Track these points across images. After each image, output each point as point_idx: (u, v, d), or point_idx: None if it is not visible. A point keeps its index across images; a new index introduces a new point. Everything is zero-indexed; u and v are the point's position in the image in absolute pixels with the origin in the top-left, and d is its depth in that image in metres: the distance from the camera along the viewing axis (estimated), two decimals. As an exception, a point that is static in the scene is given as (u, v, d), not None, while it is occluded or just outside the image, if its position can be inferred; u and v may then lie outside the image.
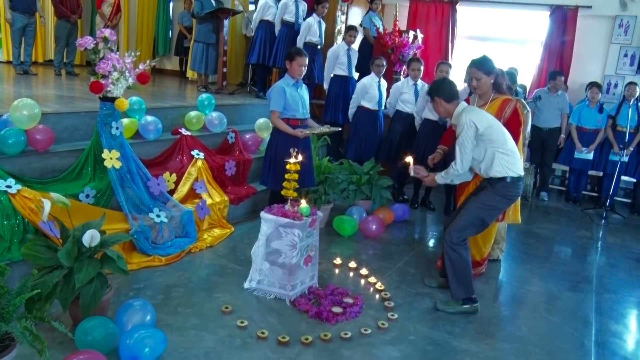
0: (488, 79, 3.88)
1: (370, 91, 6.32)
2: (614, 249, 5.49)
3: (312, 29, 7.17)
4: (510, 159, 3.48)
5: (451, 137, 4.01)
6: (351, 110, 6.56)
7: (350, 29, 7.07)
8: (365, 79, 6.40)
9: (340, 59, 7.05)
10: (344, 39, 7.14)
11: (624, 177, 7.08)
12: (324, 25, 7.39)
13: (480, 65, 3.87)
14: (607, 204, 6.61)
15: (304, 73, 4.67)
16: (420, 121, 6.06)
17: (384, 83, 6.46)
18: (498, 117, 3.77)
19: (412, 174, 3.85)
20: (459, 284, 3.63)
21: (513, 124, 3.85)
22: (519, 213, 4.32)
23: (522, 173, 3.54)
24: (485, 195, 3.54)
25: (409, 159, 3.85)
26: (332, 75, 7.16)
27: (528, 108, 4.78)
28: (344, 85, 7.11)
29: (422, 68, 6.22)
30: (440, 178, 3.71)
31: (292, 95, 4.57)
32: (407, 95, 6.20)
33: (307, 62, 4.63)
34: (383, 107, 6.52)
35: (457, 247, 3.57)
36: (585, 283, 4.45)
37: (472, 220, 3.57)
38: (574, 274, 4.63)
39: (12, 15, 7.48)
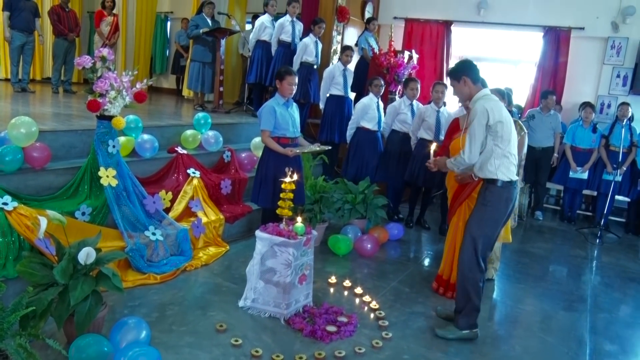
0: None
1: (370, 112, 6.33)
2: (608, 269, 5.51)
3: (308, 49, 7.23)
4: (506, 162, 3.37)
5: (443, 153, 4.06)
6: (350, 131, 6.51)
7: (347, 49, 7.12)
8: (365, 99, 6.40)
9: (336, 79, 7.09)
10: (340, 59, 7.20)
11: (618, 197, 7.13)
12: (320, 46, 7.45)
13: None
14: (602, 223, 6.63)
15: (294, 92, 4.70)
16: (416, 141, 6.09)
17: (380, 103, 6.49)
18: None
19: (430, 162, 3.87)
20: (467, 316, 3.52)
21: None
22: (509, 231, 4.34)
23: (514, 178, 3.43)
24: (480, 212, 3.45)
25: (434, 146, 3.95)
26: (328, 95, 7.21)
27: (525, 130, 4.81)
28: (339, 105, 7.16)
29: (419, 87, 6.27)
30: (450, 163, 3.62)
31: (282, 114, 4.60)
32: (405, 116, 6.21)
33: (296, 81, 4.67)
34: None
35: (470, 272, 3.47)
36: (579, 302, 4.45)
37: (477, 239, 3.44)
38: (568, 294, 4.64)
39: (11, 34, 7.57)
